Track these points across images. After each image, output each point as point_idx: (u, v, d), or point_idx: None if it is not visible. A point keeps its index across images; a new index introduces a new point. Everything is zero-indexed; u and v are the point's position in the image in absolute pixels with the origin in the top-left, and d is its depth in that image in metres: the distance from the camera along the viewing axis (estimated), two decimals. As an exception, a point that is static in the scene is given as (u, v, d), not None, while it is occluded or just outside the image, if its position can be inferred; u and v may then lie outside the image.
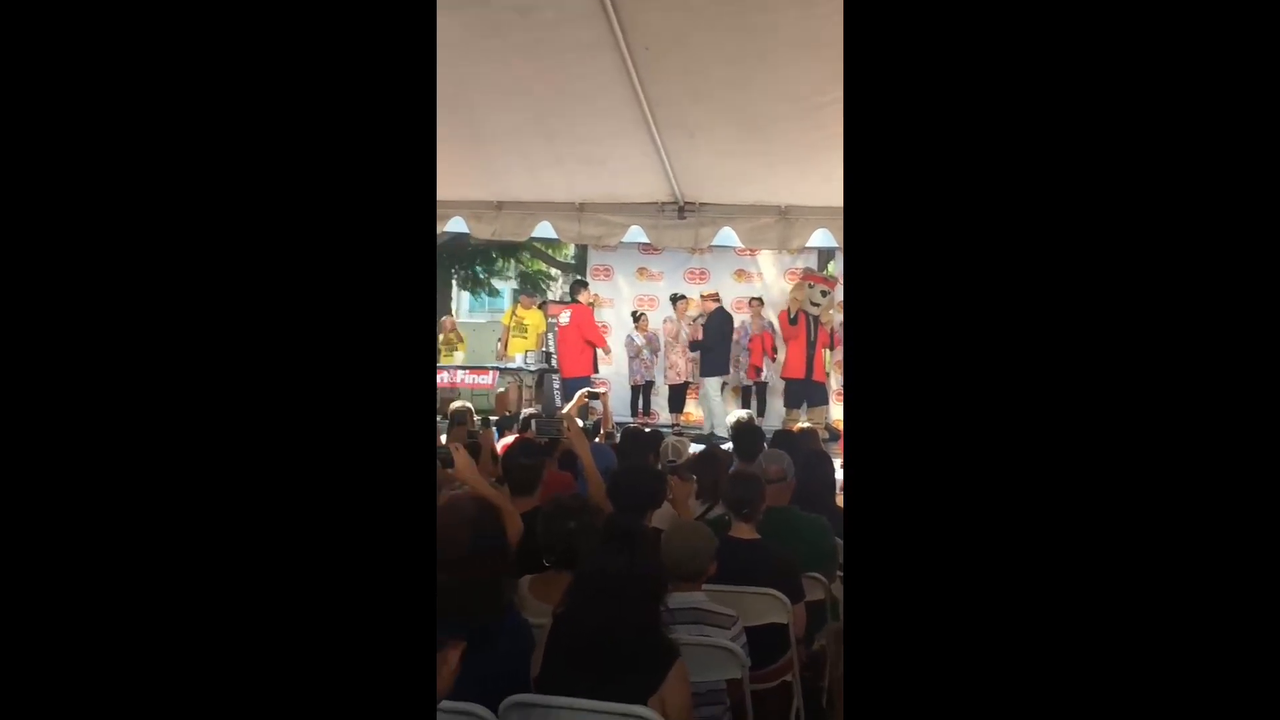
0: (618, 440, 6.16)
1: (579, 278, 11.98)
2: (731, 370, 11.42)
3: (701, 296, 11.74)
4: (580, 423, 5.69)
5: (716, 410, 11.01)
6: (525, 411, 7.07)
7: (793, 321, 10.94)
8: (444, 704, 2.11)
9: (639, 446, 5.42)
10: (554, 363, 10.82)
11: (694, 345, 11.22)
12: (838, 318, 11.23)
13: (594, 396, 6.84)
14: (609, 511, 3.59)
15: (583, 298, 10.95)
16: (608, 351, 11.13)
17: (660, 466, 5.28)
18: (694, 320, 11.41)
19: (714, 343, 11.16)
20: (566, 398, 9.95)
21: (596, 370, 11.00)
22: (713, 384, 11.19)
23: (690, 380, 11.62)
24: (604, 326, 12.13)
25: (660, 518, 3.92)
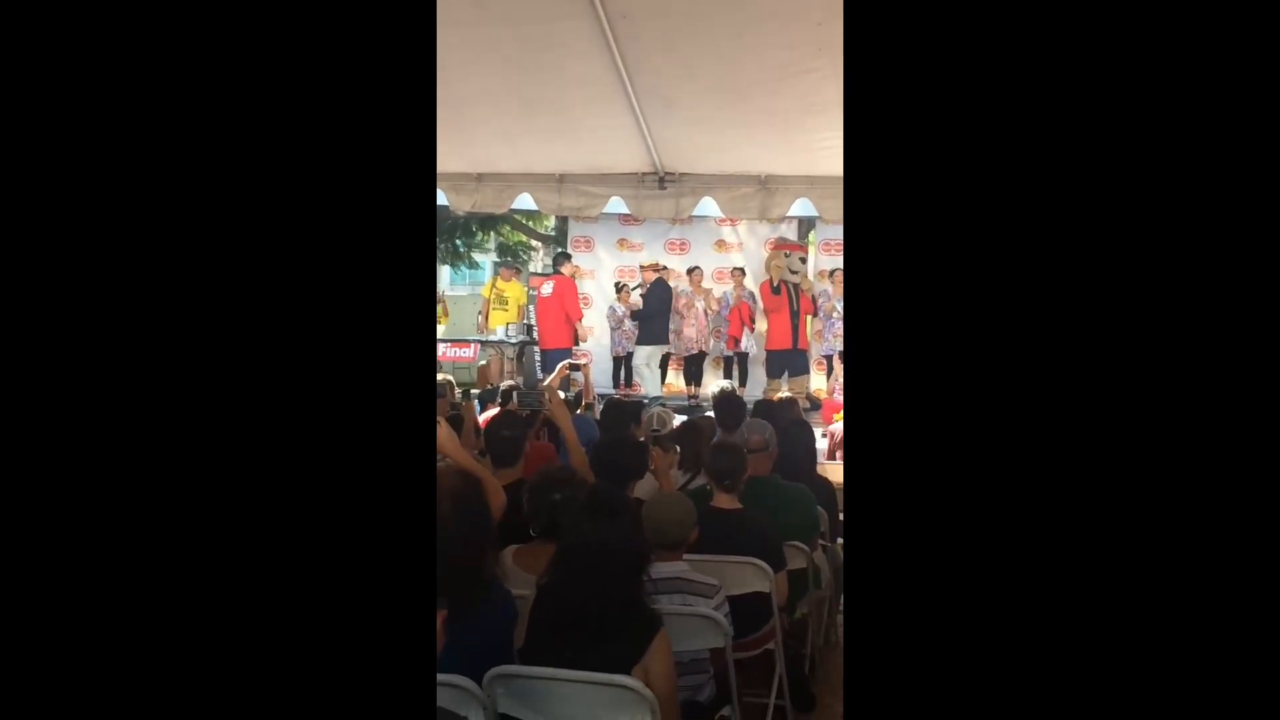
0: (599, 411, 6.15)
1: (562, 250, 11.91)
2: (673, 339, 11.46)
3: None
4: (562, 394, 5.69)
5: (648, 379, 11.09)
6: (505, 384, 7.06)
7: (775, 291, 10.92)
8: (427, 676, 2.10)
9: (621, 417, 5.42)
10: (535, 334, 10.80)
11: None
12: (817, 286, 11.24)
13: (575, 368, 6.84)
14: (593, 483, 3.58)
15: (566, 269, 10.91)
16: (581, 324, 11.11)
17: (644, 437, 5.28)
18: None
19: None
20: (547, 369, 9.94)
21: (577, 343, 10.99)
22: (649, 353, 11.25)
23: (672, 351, 11.62)
24: (585, 298, 12.11)
25: (642, 489, 3.92)
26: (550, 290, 10.61)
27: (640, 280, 11.51)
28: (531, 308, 11.51)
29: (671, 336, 11.47)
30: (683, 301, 11.46)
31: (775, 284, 10.91)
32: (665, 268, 11.66)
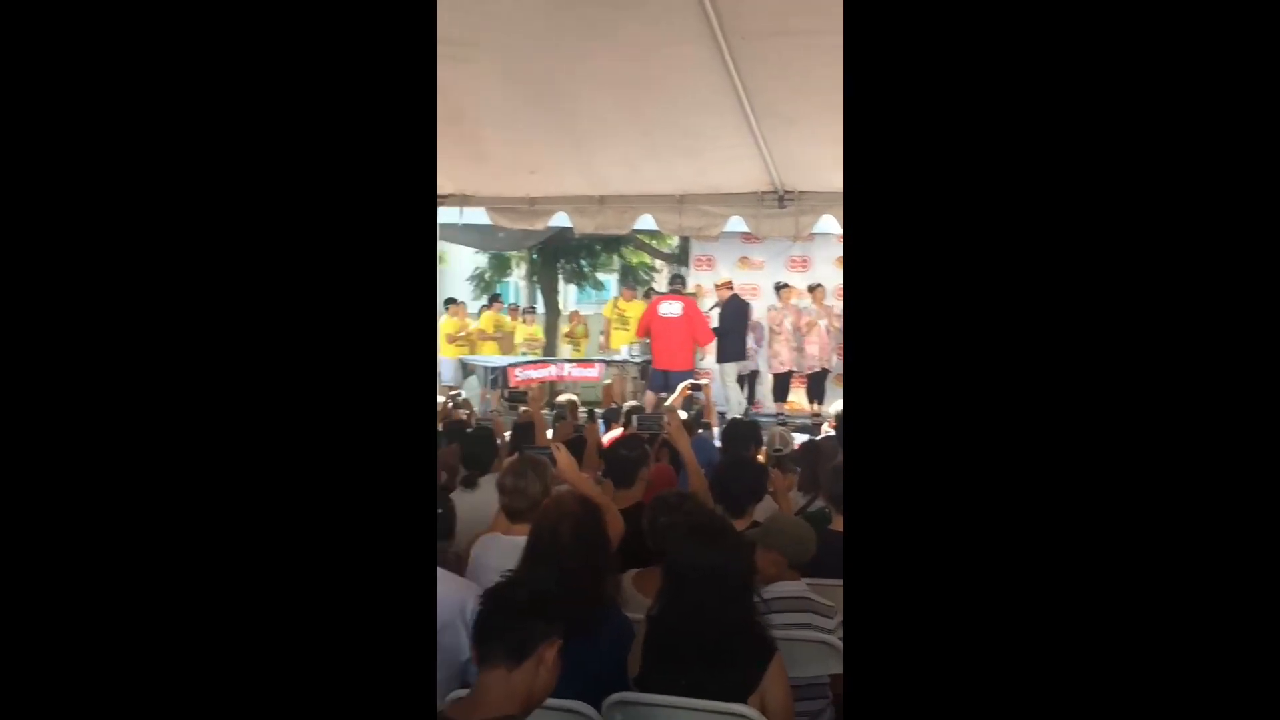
0: (720, 432, 6.13)
1: (684, 270, 11.88)
2: (794, 357, 11.32)
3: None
4: (683, 415, 5.69)
5: (733, 397, 10.91)
6: (627, 405, 7.09)
7: None
8: (549, 700, 2.12)
9: (742, 437, 5.39)
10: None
11: (713, 332, 11.09)
12: None
13: (697, 388, 6.83)
14: (710, 505, 3.58)
15: (692, 290, 10.89)
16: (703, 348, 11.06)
17: (764, 457, 5.25)
18: (708, 309, 11.27)
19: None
20: (663, 388, 9.97)
21: (694, 366, 10.95)
22: (728, 370, 11.07)
23: (794, 369, 11.52)
24: (708, 317, 12.10)
25: (761, 510, 3.89)
26: (680, 311, 10.43)
27: (715, 299, 11.39)
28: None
29: (791, 354, 11.35)
30: (805, 319, 11.37)
31: None
32: (731, 284, 11.51)
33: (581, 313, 15.30)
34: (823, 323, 11.34)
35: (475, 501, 4.21)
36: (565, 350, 13.79)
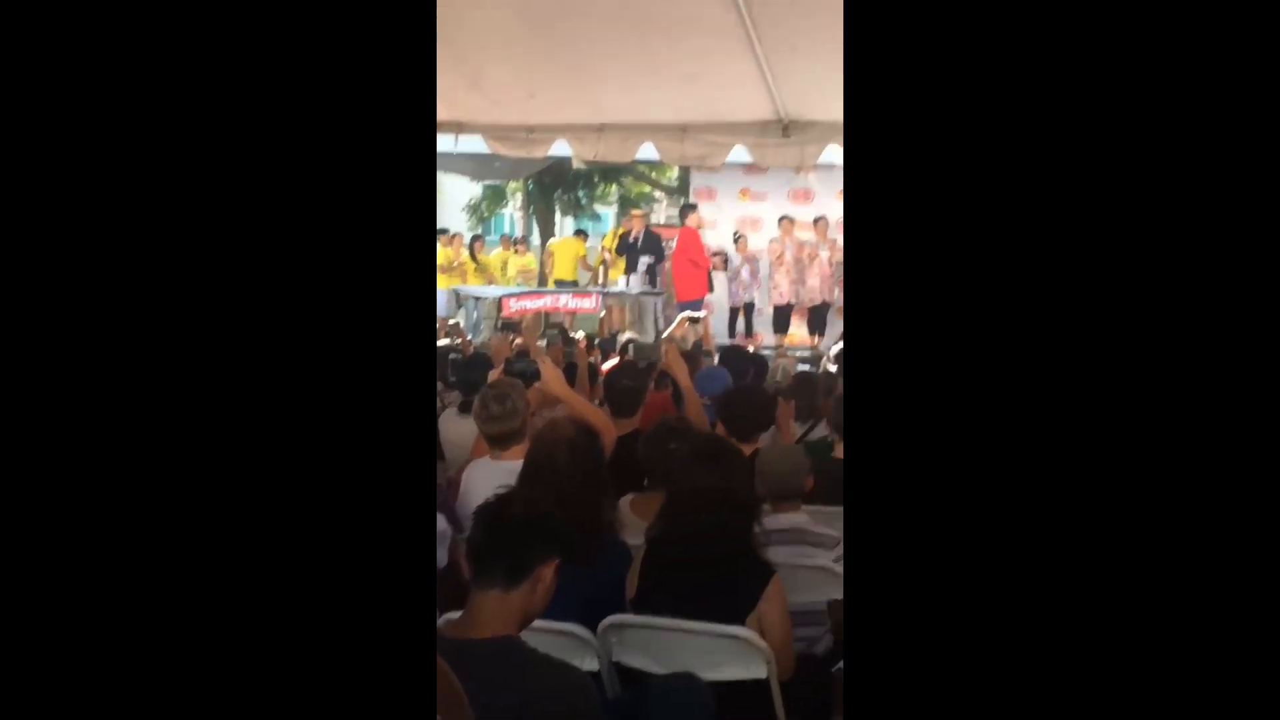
0: (716, 360, 6.12)
1: (687, 200, 11.86)
2: (795, 290, 11.42)
3: (631, 215, 11.86)
4: (682, 346, 5.68)
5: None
6: (625, 336, 7.08)
7: None
8: (540, 622, 2.12)
9: (741, 367, 5.39)
10: (658, 284, 10.88)
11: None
12: None
13: (694, 320, 6.82)
14: (704, 432, 3.57)
15: (691, 220, 10.91)
16: (714, 269, 11.11)
17: (769, 388, 5.25)
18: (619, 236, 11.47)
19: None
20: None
21: (711, 289, 11.00)
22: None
23: (793, 301, 11.49)
24: (706, 248, 12.08)
25: (763, 439, 3.89)
26: (675, 244, 10.63)
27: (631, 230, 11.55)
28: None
29: (791, 287, 11.34)
30: (806, 251, 11.31)
31: None
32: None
33: (550, 245, 15.24)
34: (825, 254, 11.28)
35: (470, 429, 4.20)
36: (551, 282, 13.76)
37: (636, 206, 19.92)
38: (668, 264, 11.66)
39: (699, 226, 11.14)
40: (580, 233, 15.29)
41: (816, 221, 11.53)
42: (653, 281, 11.18)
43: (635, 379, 4.15)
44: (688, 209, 11.22)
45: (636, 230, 11.51)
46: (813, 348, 10.99)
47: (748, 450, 3.60)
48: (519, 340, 6.44)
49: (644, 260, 11.28)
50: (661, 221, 17.80)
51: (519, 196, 21.64)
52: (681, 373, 4.26)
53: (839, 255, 11.12)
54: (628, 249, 11.33)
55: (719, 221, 12.59)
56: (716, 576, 2.39)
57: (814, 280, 11.27)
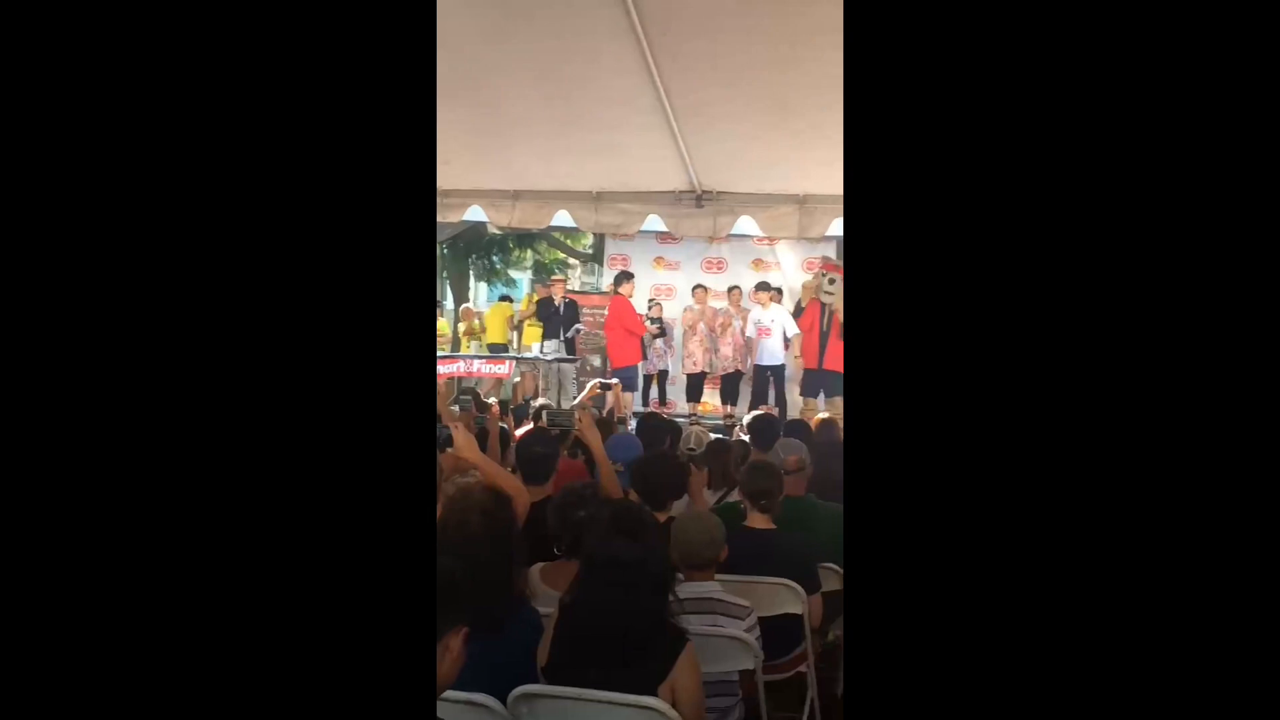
0: (633, 428, 6.13)
1: (624, 269, 11.88)
2: (708, 358, 11.52)
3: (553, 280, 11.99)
4: (595, 413, 5.67)
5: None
6: (538, 402, 7.05)
7: (796, 314, 10.93)
8: (450, 693, 2.08)
9: (657, 434, 5.40)
10: (574, 351, 10.96)
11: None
12: None
13: (606, 387, 6.83)
14: (617, 500, 3.56)
15: (624, 289, 10.97)
16: (655, 336, 11.22)
17: (681, 455, 5.26)
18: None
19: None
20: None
21: (645, 357, 11.05)
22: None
23: (707, 370, 11.57)
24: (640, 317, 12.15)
25: (675, 506, 3.89)
26: (608, 313, 10.73)
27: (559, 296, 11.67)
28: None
29: (705, 355, 11.44)
30: (720, 320, 11.42)
31: (802, 303, 10.90)
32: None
33: (472, 309, 15.25)
34: (737, 324, 11.40)
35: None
36: (469, 347, 13.71)
37: (551, 273, 19.97)
38: (584, 331, 11.76)
39: (630, 295, 11.18)
40: (505, 298, 15.30)
41: (730, 291, 11.69)
42: (570, 349, 11.20)
43: (548, 446, 4.13)
44: (623, 277, 11.23)
45: (560, 297, 11.54)
46: (725, 416, 11.07)
47: (661, 518, 3.60)
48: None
49: (573, 328, 11.35)
50: (576, 289, 17.85)
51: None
52: (595, 440, 4.25)
53: (750, 325, 11.27)
54: (549, 315, 11.34)
55: (634, 289, 12.66)
56: (629, 645, 2.36)
57: (727, 349, 11.37)
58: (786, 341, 11.06)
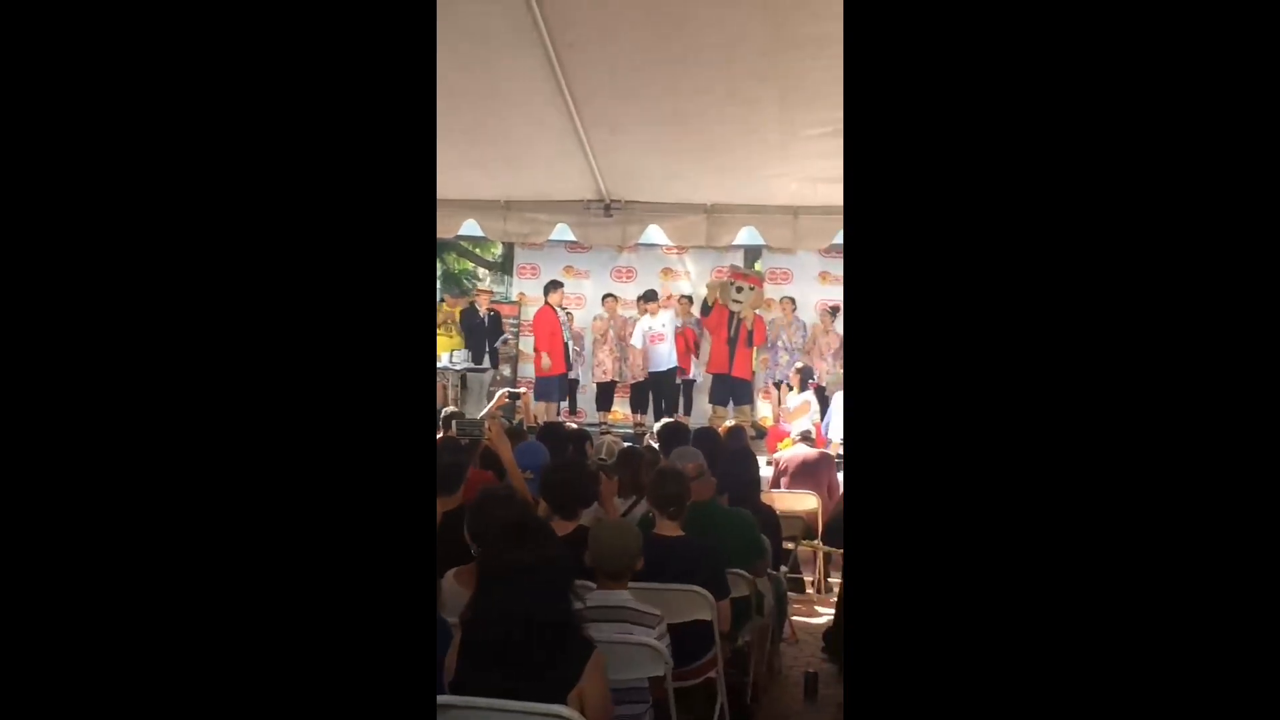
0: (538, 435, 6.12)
1: (554, 278, 11.71)
2: (618, 367, 11.41)
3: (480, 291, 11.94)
4: (505, 422, 5.65)
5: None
6: (446, 410, 7.01)
7: (703, 313, 10.92)
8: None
9: (560, 442, 5.39)
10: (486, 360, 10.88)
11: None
12: (767, 315, 11.13)
13: (515, 396, 6.80)
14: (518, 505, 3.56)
15: (553, 299, 10.77)
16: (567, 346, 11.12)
17: (591, 464, 5.27)
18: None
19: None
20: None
21: (569, 366, 10.96)
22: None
23: (617, 379, 11.57)
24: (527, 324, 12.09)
25: (587, 515, 3.89)
26: (535, 322, 10.72)
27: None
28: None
29: (615, 364, 11.42)
30: (629, 328, 11.43)
31: (707, 305, 10.91)
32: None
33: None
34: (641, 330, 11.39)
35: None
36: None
37: (459, 283, 19.80)
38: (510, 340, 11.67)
39: (560, 304, 11.05)
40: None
41: (640, 299, 11.66)
42: (493, 359, 11.09)
43: (457, 455, 4.10)
44: (552, 286, 11.04)
45: (484, 308, 11.41)
46: (635, 424, 11.06)
47: (569, 526, 3.60)
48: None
49: (500, 338, 11.25)
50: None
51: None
52: (505, 448, 4.24)
53: (638, 334, 11.12)
54: (474, 326, 11.21)
55: (564, 298, 12.46)
56: (535, 654, 2.36)
57: (637, 358, 11.36)
58: (696, 349, 11.09)
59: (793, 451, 6.94)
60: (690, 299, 11.54)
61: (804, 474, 6.64)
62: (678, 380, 11.28)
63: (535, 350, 10.89)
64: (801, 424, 7.63)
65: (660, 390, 11.11)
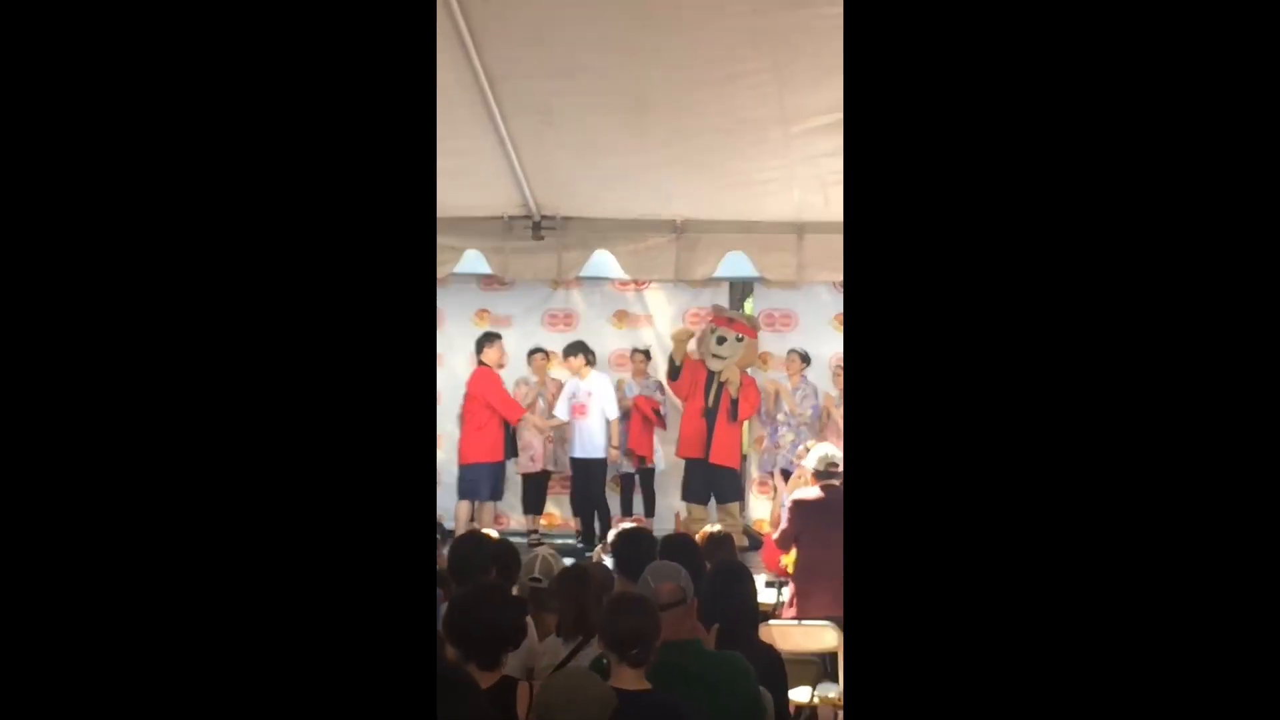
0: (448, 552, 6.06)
1: (489, 329, 11.03)
2: (550, 451, 10.86)
3: None
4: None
5: None
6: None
7: (671, 375, 10.47)
8: None
9: (472, 562, 5.30)
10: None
11: None
12: (760, 377, 10.61)
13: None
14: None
15: (489, 356, 10.28)
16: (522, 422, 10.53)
17: (519, 588, 5.22)
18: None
19: None
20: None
21: (514, 454, 10.57)
22: None
23: (551, 469, 11.00)
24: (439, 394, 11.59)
25: (513, 661, 3.87)
26: (467, 390, 10.19)
27: None
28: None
29: (546, 448, 10.88)
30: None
31: (676, 364, 10.42)
32: None
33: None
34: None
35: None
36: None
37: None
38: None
39: (499, 364, 10.46)
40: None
41: (574, 355, 10.75)
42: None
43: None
44: (488, 339, 10.38)
45: None
46: (578, 533, 10.63)
47: (491, 678, 3.57)
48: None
49: None
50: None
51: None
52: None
53: (562, 402, 10.57)
54: None
55: (446, 355, 10.99)
56: None
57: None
58: (662, 424, 10.75)
59: (810, 493, 6.74)
60: (647, 354, 10.98)
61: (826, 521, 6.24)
62: (631, 469, 10.87)
63: (463, 427, 10.48)
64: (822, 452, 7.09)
65: (588, 488, 10.65)
